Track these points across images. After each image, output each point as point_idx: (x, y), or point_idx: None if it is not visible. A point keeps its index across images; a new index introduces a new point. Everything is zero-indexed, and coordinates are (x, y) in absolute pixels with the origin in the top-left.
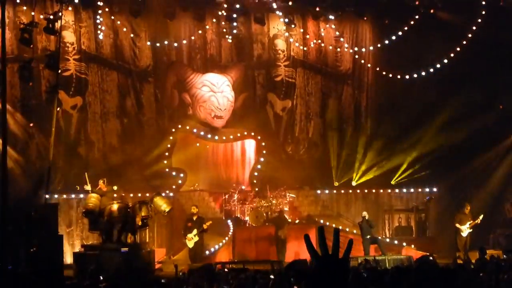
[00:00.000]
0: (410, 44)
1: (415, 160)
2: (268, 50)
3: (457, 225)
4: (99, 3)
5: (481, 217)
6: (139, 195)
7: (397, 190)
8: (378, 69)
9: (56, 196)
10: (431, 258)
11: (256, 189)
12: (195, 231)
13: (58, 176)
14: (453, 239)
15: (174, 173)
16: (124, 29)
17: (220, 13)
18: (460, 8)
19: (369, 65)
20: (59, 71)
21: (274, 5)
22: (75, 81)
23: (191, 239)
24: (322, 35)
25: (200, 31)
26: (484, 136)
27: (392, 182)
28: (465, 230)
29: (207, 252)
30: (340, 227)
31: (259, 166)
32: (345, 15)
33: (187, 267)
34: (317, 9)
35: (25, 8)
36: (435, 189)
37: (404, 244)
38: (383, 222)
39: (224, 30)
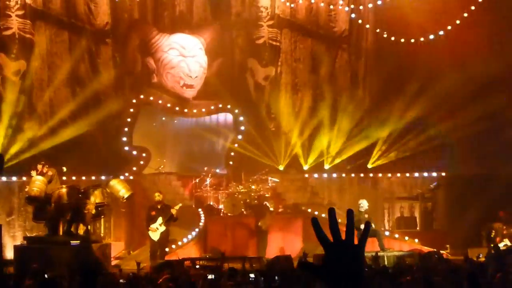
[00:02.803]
0: (417, 1)
1: (421, 139)
2: (248, 7)
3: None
4: None
5: None
6: (93, 178)
7: (398, 175)
8: (378, 31)
9: None
10: (436, 256)
11: (233, 172)
12: (160, 220)
13: None
14: (466, 233)
15: (135, 153)
16: None
17: None
18: None
19: (367, 26)
20: None
21: None
22: (18, 42)
23: (156, 229)
24: None
25: None
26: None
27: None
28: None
29: (173, 246)
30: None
31: (236, 145)
32: None
33: (149, 264)
34: None
35: None
36: (444, 174)
37: (407, 238)
38: (382, 212)
39: None
